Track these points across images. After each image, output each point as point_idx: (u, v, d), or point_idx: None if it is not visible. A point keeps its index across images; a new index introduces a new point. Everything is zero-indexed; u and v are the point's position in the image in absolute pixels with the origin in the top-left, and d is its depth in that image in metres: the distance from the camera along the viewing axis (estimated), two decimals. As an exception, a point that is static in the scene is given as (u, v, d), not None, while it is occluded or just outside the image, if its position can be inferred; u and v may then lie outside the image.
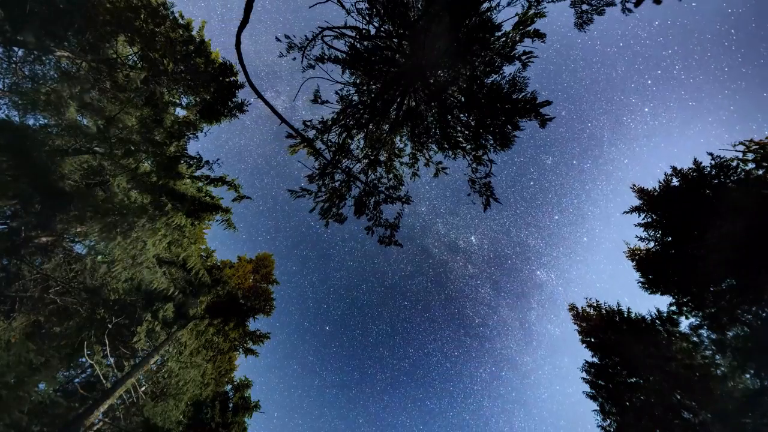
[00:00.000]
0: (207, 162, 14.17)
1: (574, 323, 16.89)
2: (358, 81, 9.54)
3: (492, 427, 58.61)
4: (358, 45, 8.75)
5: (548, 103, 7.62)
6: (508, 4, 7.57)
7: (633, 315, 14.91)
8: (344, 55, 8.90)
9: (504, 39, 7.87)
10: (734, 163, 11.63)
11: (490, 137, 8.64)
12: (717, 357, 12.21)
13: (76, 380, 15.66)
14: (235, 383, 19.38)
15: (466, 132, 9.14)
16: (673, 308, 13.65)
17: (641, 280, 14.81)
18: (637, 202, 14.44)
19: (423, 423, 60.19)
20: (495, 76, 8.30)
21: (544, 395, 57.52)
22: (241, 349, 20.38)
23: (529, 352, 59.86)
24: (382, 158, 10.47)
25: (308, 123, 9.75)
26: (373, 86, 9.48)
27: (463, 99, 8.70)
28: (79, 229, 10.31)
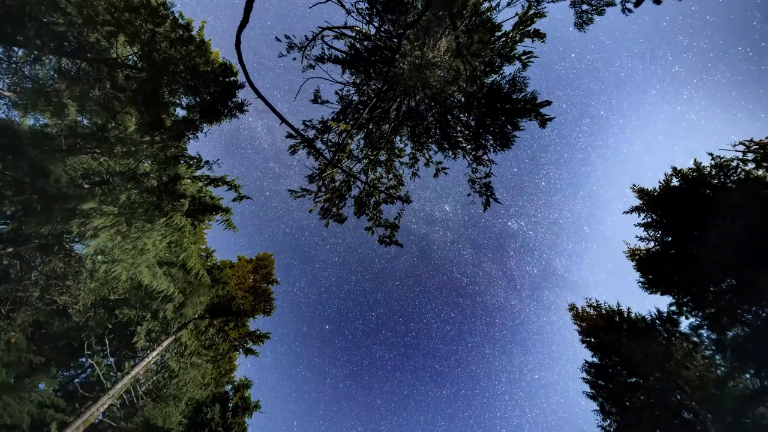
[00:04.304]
0: (207, 162, 14.17)
1: (574, 323, 16.89)
2: (358, 81, 9.54)
3: (496, 369, 66.22)
4: (358, 45, 8.75)
5: (548, 103, 7.62)
6: (508, 5, 7.57)
7: (633, 315, 14.91)
8: (344, 55, 8.90)
9: (504, 39, 7.87)
10: (734, 163, 11.64)
11: (490, 137, 8.64)
12: (717, 357, 12.21)
13: (76, 380, 15.67)
14: (235, 383, 19.39)
15: (466, 132, 9.14)
16: (673, 308, 13.65)
17: (641, 280, 14.80)
18: (637, 201, 14.45)
19: (436, 386, 66.50)
20: (495, 76, 8.31)
21: (534, 329, 65.72)
22: (241, 350, 20.38)
23: (515, 295, 67.56)
24: (382, 158, 10.47)
25: (308, 123, 9.76)
26: (373, 86, 9.48)
27: (463, 99, 8.70)
28: (79, 230, 10.31)
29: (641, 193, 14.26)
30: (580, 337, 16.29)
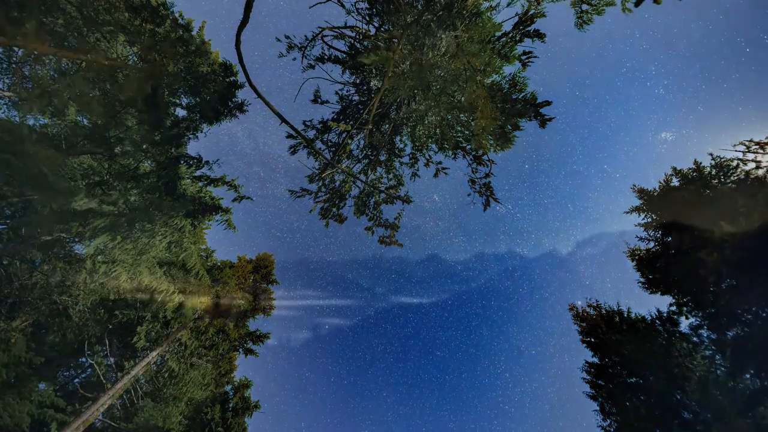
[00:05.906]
0: (207, 162, 14.16)
1: (574, 323, 16.88)
2: (358, 81, 9.55)
3: (495, 348, 69.66)
4: (358, 45, 8.76)
5: (548, 103, 7.62)
6: (508, 5, 7.57)
7: (633, 315, 14.90)
8: (344, 55, 8.91)
9: (504, 39, 7.87)
10: (734, 163, 11.64)
11: (490, 137, 8.64)
12: (717, 357, 12.20)
13: (76, 380, 15.67)
14: (235, 384, 19.39)
15: (466, 132, 9.14)
16: (673, 308, 13.64)
17: (641, 280, 14.80)
18: (637, 202, 14.45)
19: (439, 372, 69.05)
20: (495, 76, 8.31)
21: (527, 308, 69.04)
22: (241, 350, 20.38)
23: (507, 277, 70.86)
24: (382, 158, 10.47)
25: (308, 123, 9.76)
26: (373, 86, 9.48)
27: (462, 99, 8.70)
28: (79, 230, 10.31)
29: (641, 193, 14.26)
30: (580, 337, 16.28)
